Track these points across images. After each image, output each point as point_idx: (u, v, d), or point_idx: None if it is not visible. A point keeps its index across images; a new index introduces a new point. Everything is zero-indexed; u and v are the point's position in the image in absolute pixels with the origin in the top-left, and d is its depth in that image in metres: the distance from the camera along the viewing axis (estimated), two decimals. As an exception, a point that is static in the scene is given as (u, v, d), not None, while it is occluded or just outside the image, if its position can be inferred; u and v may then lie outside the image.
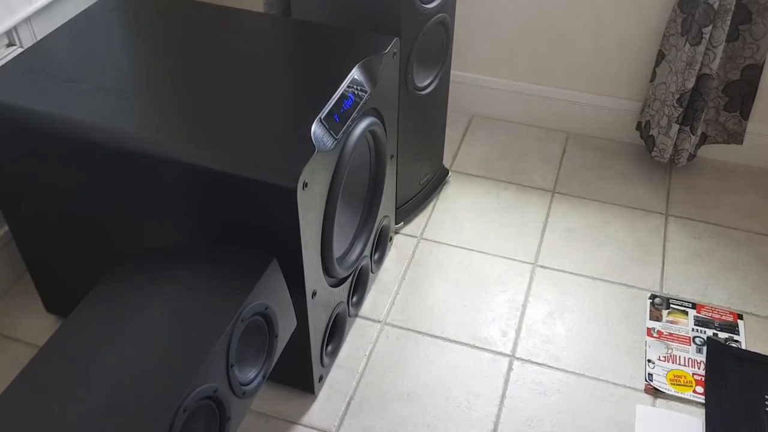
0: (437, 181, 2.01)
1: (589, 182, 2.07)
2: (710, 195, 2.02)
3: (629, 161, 2.13)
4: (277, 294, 1.24)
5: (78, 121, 1.27)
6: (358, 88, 1.39)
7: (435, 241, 1.90)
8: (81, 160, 1.30)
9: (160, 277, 1.23)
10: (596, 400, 1.54)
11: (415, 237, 1.91)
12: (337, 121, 1.31)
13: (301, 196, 1.19)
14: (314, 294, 1.37)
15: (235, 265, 1.22)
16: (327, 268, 1.40)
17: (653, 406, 1.53)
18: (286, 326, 1.28)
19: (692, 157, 2.01)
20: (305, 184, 1.19)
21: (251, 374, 1.20)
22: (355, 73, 1.39)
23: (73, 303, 1.62)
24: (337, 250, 1.46)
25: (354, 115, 1.34)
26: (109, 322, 1.15)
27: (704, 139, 2.03)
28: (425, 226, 1.94)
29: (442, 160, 2.00)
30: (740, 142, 2.01)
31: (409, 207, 1.92)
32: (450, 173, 2.07)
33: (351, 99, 1.36)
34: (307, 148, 1.21)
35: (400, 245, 1.89)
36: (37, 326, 1.68)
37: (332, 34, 1.50)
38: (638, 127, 2.10)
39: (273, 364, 1.26)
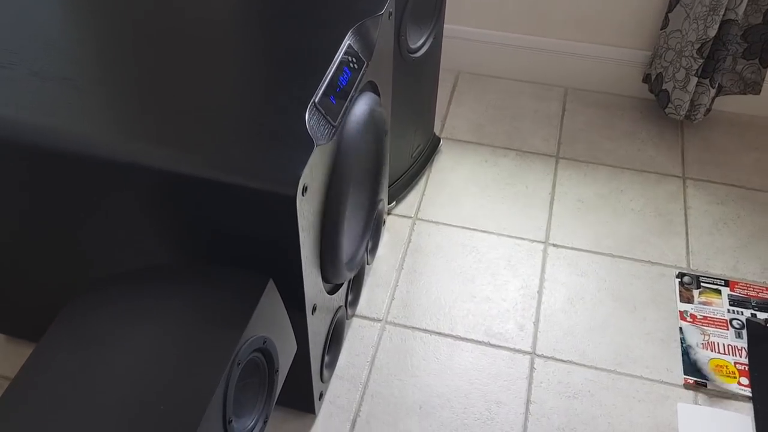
0: (429, 152, 1.78)
1: (595, 144, 1.86)
2: (728, 152, 1.84)
3: (636, 118, 1.93)
4: (275, 322, 1.01)
5: (14, 120, 1.01)
6: (354, 59, 1.14)
7: (432, 221, 1.68)
8: (19, 168, 1.04)
9: (136, 306, 0.98)
10: (632, 401, 1.37)
11: (410, 217, 1.69)
12: (334, 104, 1.07)
13: (301, 204, 0.96)
14: (314, 309, 1.15)
15: (222, 291, 0.98)
16: (328, 277, 1.18)
17: (695, 403, 1.37)
18: (286, 355, 1.07)
19: (708, 111, 1.82)
20: (305, 189, 0.96)
21: (250, 422, 0.99)
22: (349, 41, 1.15)
23: (24, 321, 1.37)
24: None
25: (352, 93, 1.11)
26: (77, 372, 0.92)
27: (719, 90, 1.84)
28: (420, 204, 1.72)
29: (433, 128, 1.77)
30: (758, 92, 1.82)
31: (401, 184, 1.70)
32: (441, 141, 1.84)
33: (347, 74, 1.12)
34: (303, 142, 0.97)
35: (393, 228, 1.67)
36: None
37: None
38: (646, 79, 1.89)
39: (274, 404, 1.05)
